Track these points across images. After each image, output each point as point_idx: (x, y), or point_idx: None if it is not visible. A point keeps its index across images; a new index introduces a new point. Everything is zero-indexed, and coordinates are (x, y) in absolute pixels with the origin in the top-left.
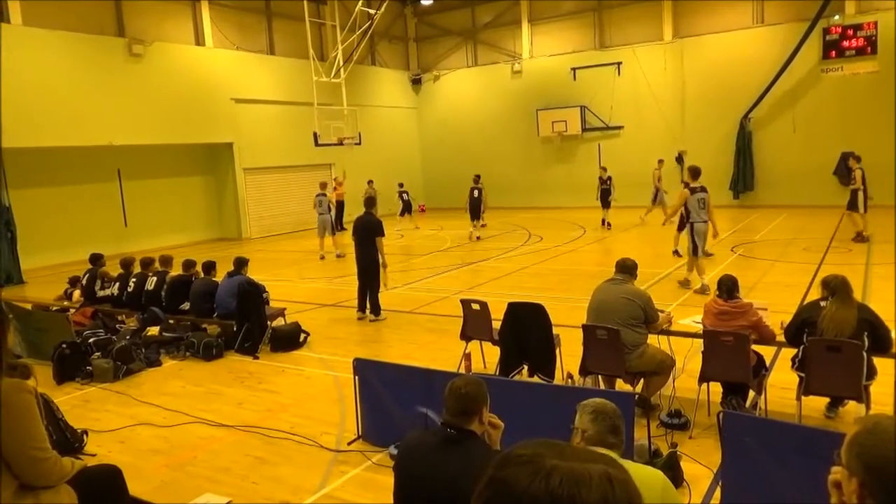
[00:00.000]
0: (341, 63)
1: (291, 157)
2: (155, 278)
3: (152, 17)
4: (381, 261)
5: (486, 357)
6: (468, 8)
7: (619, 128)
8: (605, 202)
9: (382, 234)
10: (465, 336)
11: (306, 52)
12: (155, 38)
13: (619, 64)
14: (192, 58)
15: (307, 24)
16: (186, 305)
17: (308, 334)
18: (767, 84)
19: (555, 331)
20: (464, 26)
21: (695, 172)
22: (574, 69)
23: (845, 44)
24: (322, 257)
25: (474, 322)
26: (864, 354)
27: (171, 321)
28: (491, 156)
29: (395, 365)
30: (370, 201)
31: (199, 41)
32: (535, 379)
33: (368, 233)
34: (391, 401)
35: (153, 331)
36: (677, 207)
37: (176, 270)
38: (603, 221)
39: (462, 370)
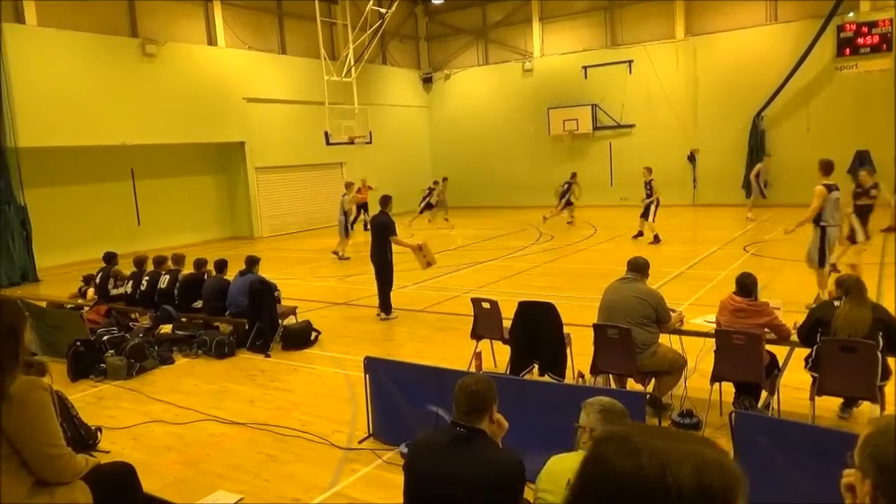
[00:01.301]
0: (352, 62)
1: (302, 157)
2: (168, 276)
3: (165, 17)
4: (412, 248)
5: (497, 356)
6: (479, 6)
7: (631, 126)
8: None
9: (394, 234)
10: (476, 335)
11: (318, 51)
12: (168, 39)
13: (630, 62)
14: (204, 57)
15: (318, 24)
16: (199, 304)
17: (319, 333)
18: (781, 82)
19: (565, 330)
20: (475, 25)
21: (828, 167)
22: (585, 67)
23: (860, 41)
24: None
25: (485, 321)
26: (879, 355)
27: (184, 319)
28: (502, 154)
29: (406, 363)
30: (385, 200)
31: (212, 41)
32: (546, 378)
33: (380, 232)
34: (402, 399)
35: (166, 329)
36: (816, 209)
37: (188, 269)
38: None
39: (472, 369)
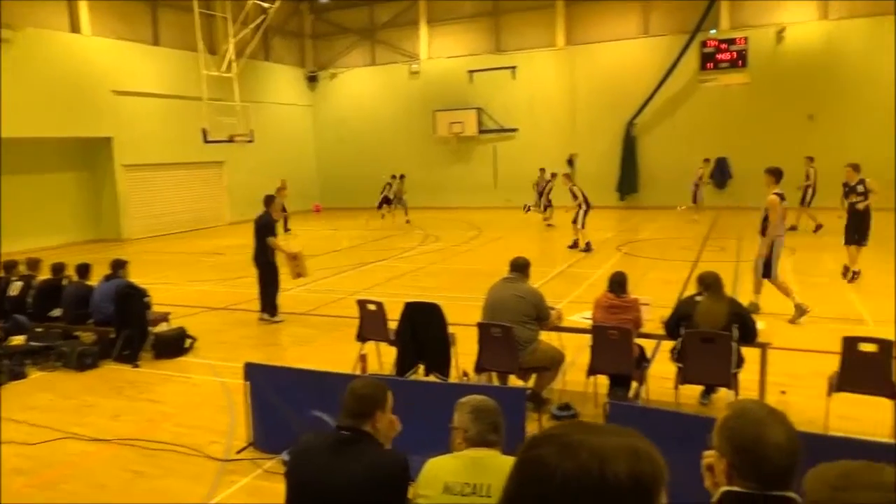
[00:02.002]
0: (233, 57)
1: (178, 154)
2: (20, 283)
3: (24, 1)
4: (285, 255)
5: (383, 357)
6: (367, 7)
7: (514, 130)
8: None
9: (271, 234)
10: (362, 337)
11: (195, 44)
12: (26, 24)
13: (514, 68)
14: (66, 45)
15: (196, 15)
16: (57, 312)
17: (194, 339)
18: (651, 92)
19: (450, 329)
20: (362, 25)
21: (779, 174)
22: (471, 71)
23: (720, 57)
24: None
25: (370, 323)
26: (734, 345)
27: (39, 329)
28: (389, 155)
29: (288, 369)
30: (268, 200)
31: (76, 28)
32: (432, 378)
33: (261, 233)
34: (285, 406)
35: (18, 340)
36: (779, 219)
37: (45, 274)
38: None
39: (357, 372)
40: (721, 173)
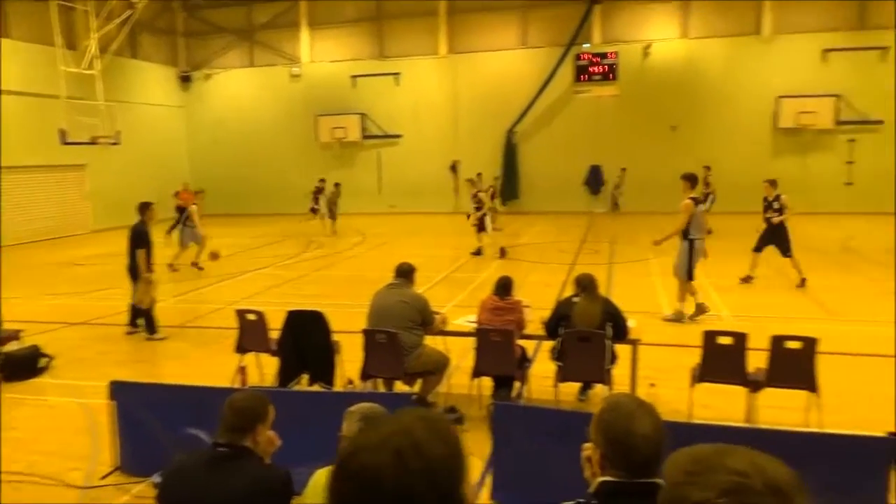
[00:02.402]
0: (96, 54)
1: (30, 157)
2: None
3: None
4: (142, 277)
5: (264, 369)
6: (244, 6)
7: (398, 136)
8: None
9: (143, 246)
10: (241, 348)
11: (51, 38)
12: None
13: (397, 74)
14: None
15: (53, 7)
16: None
17: (51, 358)
18: (529, 101)
19: (335, 337)
20: (239, 25)
21: (693, 180)
22: (354, 76)
23: (593, 69)
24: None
25: (250, 333)
26: (608, 343)
27: None
28: (269, 160)
29: (159, 385)
30: (142, 207)
31: None
32: (316, 387)
33: (131, 242)
34: (156, 425)
35: None
36: (684, 223)
37: None
38: None
39: (237, 385)
40: (594, 180)
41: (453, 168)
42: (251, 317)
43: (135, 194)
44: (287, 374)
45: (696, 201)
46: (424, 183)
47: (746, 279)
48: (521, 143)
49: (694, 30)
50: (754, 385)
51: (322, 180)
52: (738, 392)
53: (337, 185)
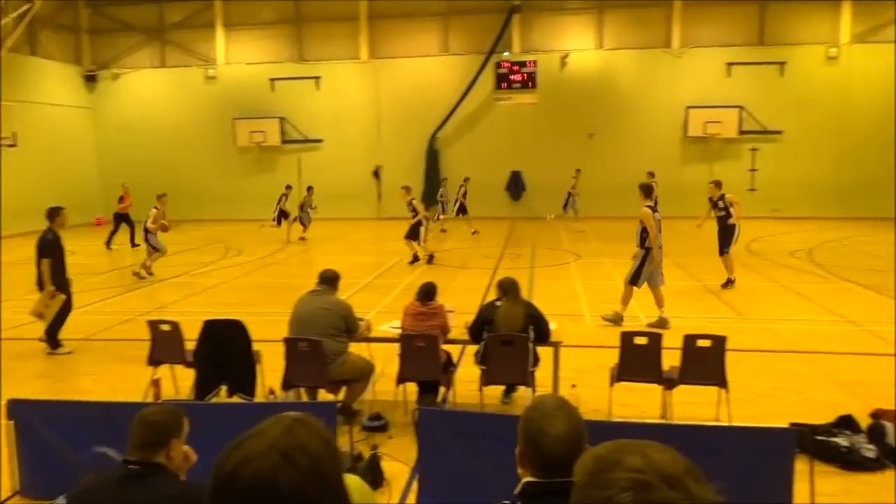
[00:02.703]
0: None
1: None
2: None
3: None
4: (44, 290)
5: (179, 382)
6: (155, 4)
7: (320, 141)
8: None
9: (47, 256)
10: (154, 360)
11: None
12: None
13: (318, 78)
14: None
15: None
16: None
17: None
18: (451, 108)
19: (255, 347)
20: (149, 23)
21: (649, 189)
22: (273, 79)
23: (513, 77)
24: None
25: (164, 344)
26: (531, 345)
27: None
28: (183, 164)
29: (64, 402)
30: (51, 213)
31: None
32: (236, 399)
33: (37, 251)
34: (61, 444)
35: None
36: (654, 228)
37: None
38: None
39: (150, 399)
40: (515, 185)
41: (376, 173)
42: (165, 327)
43: (38, 200)
44: (204, 387)
45: (653, 209)
46: (347, 188)
47: (728, 283)
48: (443, 149)
49: (608, 41)
50: (669, 383)
51: (288, 186)
52: (654, 390)
53: (309, 188)
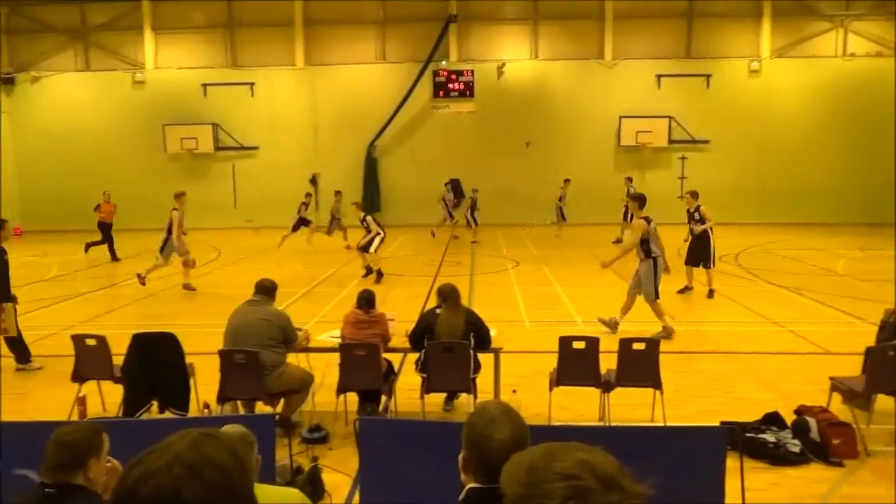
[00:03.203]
0: None
1: None
2: None
3: None
4: None
5: (106, 398)
6: (77, 5)
7: (255, 148)
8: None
9: None
10: (79, 377)
11: None
12: None
13: (252, 84)
14: None
15: None
16: None
17: None
18: (389, 116)
19: (188, 360)
20: (72, 24)
21: (642, 200)
22: (205, 85)
23: (451, 86)
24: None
25: (90, 360)
26: (472, 352)
27: None
28: (110, 172)
29: None
30: None
31: None
32: (168, 415)
33: None
34: None
35: None
36: (634, 243)
37: None
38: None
39: (75, 417)
40: (455, 194)
41: (313, 181)
42: (90, 342)
43: None
44: (134, 403)
45: (649, 220)
46: (283, 196)
47: (684, 290)
48: (381, 157)
49: (543, 52)
50: (606, 386)
51: (308, 194)
52: (592, 393)
53: (337, 192)
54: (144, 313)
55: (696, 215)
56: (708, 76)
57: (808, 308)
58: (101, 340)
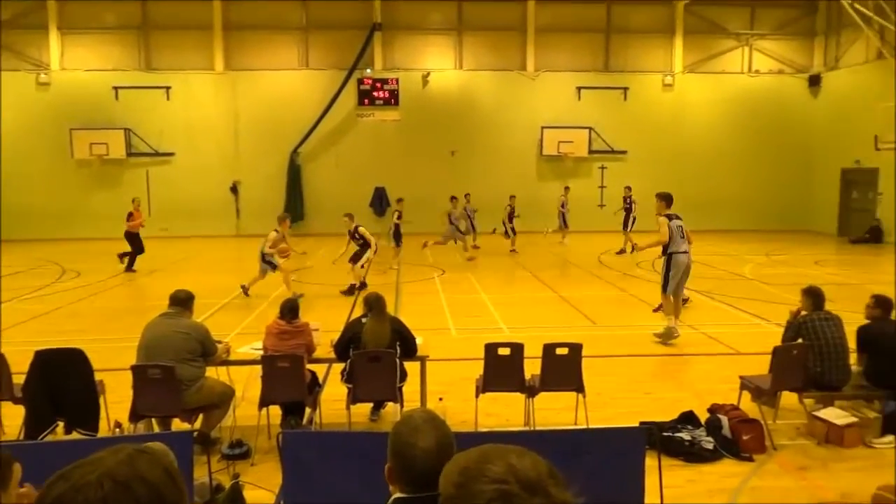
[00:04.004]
0: None
1: None
2: None
3: None
4: None
5: (6, 420)
6: None
7: (171, 154)
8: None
9: None
10: None
11: None
12: None
13: (168, 88)
14: None
15: None
16: None
17: None
18: (313, 123)
19: (98, 377)
20: None
21: (668, 199)
22: (117, 88)
23: (376, 94)
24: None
25: None
26: (398, 361)
27: None
28: (10, 178)
29: None
30: None
31: None
32: (75, 435)
33: None
34: None
35: None
36: (665, 238)
37: None
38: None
39: None
40: (379, 201)
41: (234, 189)
42: None
43: None
44: (38, 424)
45: (670, 217)
46: (202, 204)
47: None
48: (305, 165)
49: (468, 62)
50: (531, 391)
51: (399, 200)
52: (517, 398)
53: (460, 196)
54: (50, 328)
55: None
56: (625, 89)
57: (719, 311)
58: (0, 358)
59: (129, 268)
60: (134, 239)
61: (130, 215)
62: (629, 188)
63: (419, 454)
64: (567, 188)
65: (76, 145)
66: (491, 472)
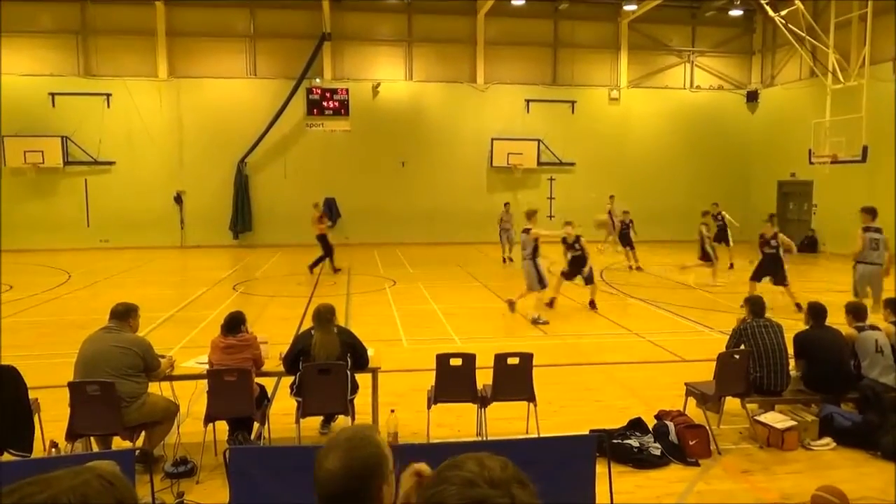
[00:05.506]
0: None
1: None
2: None
3: None
4: None
5: None
6: None
7: (111, 163)
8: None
9: None
10: None
11: None
12: None
13: (109, 95)
14: None
15: None
16: None
17: None
18: (261, 132)
19: (32, 395)
20: None
21: (873, 212)
22: (53, 94)
23: (325, 104)
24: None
25: None
26: (348, 373)
27: None
28: None
29: None
30: None
31: None
32: (7, 457)
33: None
34: None
35: None
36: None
37: None
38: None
39: None
40: (330, 212)
41: (178, 199)
42: None
43: None
44: None
45: (867, 229)
46: (145, 215)
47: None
48: (253, 174)
49: (418, 73)
50: (483, 401)
51: (505, 203)
52: (469, 408)
53: (506, 204)
54: None
55: (773, 242)
56: (573, 102)
57: (664, 319)
58: None
59: (335, 269)
60: (324, 240)
61: (321, 218)
62: (627, 212)
63: (322, 475)
64: (612, 196)
65: (9, 153)
66: (465, 466)
